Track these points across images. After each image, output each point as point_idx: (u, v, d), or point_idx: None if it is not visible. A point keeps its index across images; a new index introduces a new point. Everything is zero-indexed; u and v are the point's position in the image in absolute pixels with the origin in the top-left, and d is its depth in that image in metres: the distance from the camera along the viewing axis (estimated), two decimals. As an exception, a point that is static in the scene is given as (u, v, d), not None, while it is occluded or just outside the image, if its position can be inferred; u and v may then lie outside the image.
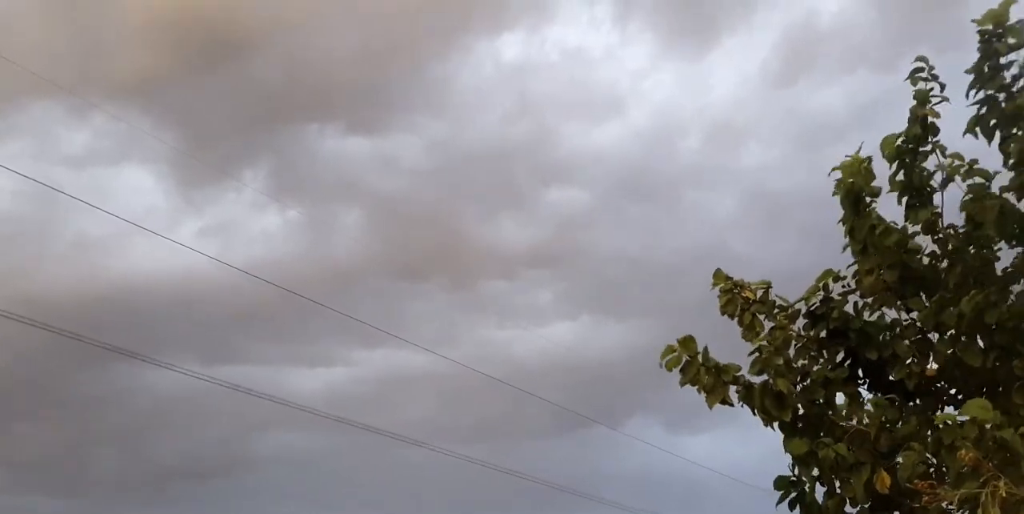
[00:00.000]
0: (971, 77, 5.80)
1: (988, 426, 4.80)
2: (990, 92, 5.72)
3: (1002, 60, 5.70)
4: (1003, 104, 5.68)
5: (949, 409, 5.87)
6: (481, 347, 32.02)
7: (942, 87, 5.83)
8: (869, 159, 5.86)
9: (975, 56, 5.81)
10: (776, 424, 5.85)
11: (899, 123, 5.99)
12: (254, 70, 29.49)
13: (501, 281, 34.75)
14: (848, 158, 5.88)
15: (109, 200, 27.97)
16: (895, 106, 6.08)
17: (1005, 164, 5.68)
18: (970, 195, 5.67)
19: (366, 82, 30.42)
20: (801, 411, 5.81)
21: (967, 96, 5.82)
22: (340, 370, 34.00)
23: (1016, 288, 5.59)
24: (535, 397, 23.66)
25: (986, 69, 5.73)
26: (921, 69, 5.84)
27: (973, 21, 5.72)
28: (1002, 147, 5.70)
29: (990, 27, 5.69)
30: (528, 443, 35.23)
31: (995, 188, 5.67)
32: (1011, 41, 5.65)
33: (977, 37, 5.76)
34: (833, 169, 5.95)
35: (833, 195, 5.97)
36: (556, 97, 33.60)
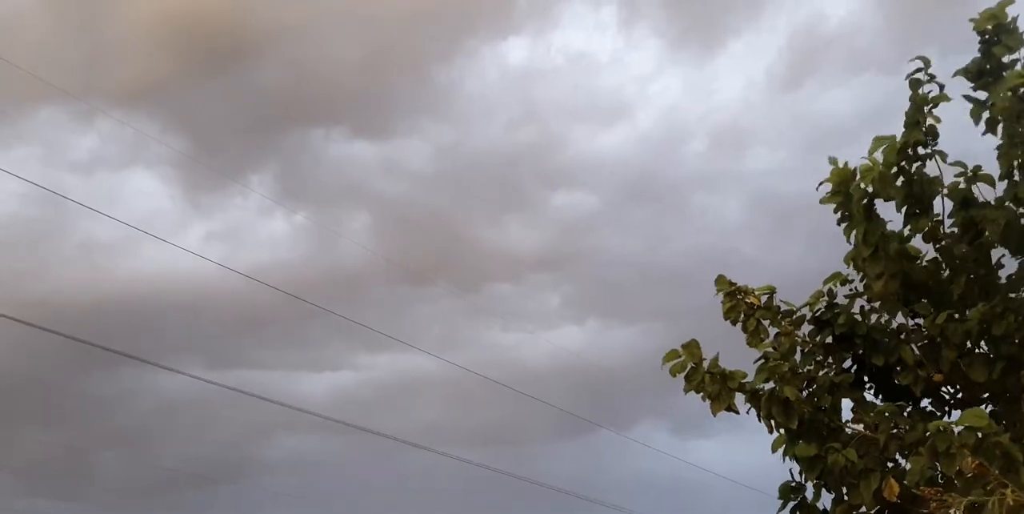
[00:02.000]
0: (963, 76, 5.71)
1: (982, 435, 4.78)
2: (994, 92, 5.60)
3: (1004, 59, 5.60)
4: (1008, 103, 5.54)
5: (956, 413, 5.83)
6: (487, 351, 31.94)
7: (941, 88, 5.71)
8: (886, 164, 5.68)
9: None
10: (782, 430, 5.80)
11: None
12: (260, 75, 29.55)
13: (507, 285, 34.68)
14: (862, 160, 5.71)
15: (116, 205, 28.01)
16: (902, 109, 6.01)
17: (1002, 175, 5.60)
18: (974, 208, 5.60)
19: (371, 86, 30.46)
20: (807, 416, 5.76)
21: (972, 91, 5.71)
22: (346, 374, 33.99)
23: (1018, 295, 5.53)
24: (541, 401, 23.61)
25: (988, 68, 5.64)
26: (920, 70, 5.70)
27: (970, 20, 5.64)
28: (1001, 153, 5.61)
29: (989, 27, 5.62)
30: (534, 447, 35.16)
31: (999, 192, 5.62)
32: (1009, 43, 5.57)
33: (977, 37, 5.68)
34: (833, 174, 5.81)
35: (823, 202, 5.84)
36: (562, 102, 33.54)
